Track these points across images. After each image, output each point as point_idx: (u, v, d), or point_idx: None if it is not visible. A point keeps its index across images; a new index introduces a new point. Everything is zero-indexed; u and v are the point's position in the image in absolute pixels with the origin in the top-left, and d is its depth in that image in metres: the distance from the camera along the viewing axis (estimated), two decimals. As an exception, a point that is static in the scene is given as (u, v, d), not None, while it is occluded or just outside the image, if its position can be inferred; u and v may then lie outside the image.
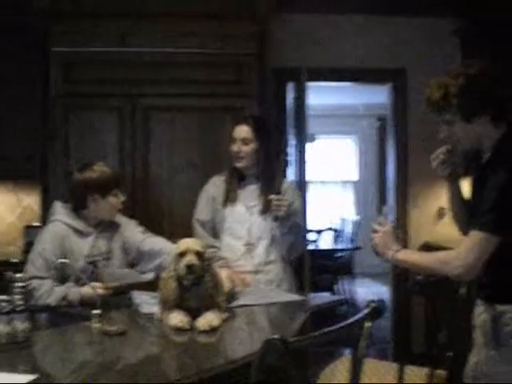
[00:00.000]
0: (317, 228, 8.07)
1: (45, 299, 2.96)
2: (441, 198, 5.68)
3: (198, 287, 2.62)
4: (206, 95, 4.61)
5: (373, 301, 1.79)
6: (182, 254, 2.61)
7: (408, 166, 5.67)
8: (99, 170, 3.19)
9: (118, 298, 3.07)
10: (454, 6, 5.24)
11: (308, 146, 9.20)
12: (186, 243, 2.65)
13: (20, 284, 2.35)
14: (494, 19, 4.99)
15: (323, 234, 8.05)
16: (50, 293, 2.97)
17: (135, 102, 4.58)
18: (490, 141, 2.40)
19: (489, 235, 2.26)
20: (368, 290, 9.05)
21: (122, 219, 3.36)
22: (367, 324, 1.76)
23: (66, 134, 4.54)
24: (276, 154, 3.50)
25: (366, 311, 1.74)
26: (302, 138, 5.17)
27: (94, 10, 4.50)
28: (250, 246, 3.56)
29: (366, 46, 5.58)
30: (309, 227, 8.73)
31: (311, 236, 7.82)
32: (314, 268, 7.39)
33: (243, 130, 3.58)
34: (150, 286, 3.06)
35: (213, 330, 2.45)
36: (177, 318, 2.49)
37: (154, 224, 4.46)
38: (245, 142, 3.56)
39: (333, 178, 11.43)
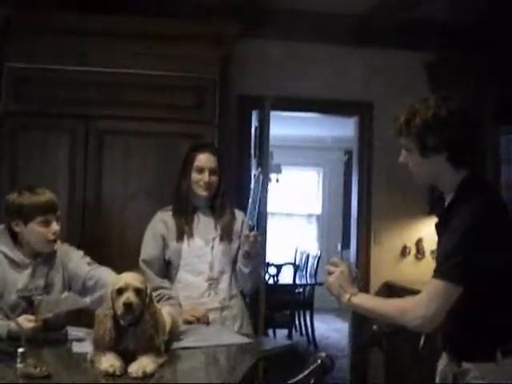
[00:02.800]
0: (277, 262, 7.87)
1: (-29, 332, 2.71)
2: (405, 235, 5.55)
3: (135, 327, 2.39)
4: (163, 120, 4.41)
5: (320, 355, 1.59)
6: (120, 291, 2.38)
7: (371, 201, 5.53)
8: (26, 193, 2.93)
9: (55, 334, 2.83)
10: (426, 40, 5.15)
11: (274, 177, 9.14)
12: (125, 279, 2.41)
13: None
14: (465, 56, 4.91)
15: (283, 268, 7.85)
16: (-24, 326, 2.72)
17: (89, 124, 4.37)
18: (451, 183, 2.26)
19: (449, 284, 2.08)
20: (328, 327, 8.85)
21: (66, 249, 3.11)
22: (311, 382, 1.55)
23: (13, 153, 4.31)
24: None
25: (312, 367, 1.53)
26: (264, 168, 4.97)
27: (51, 26, 4.29)
28: (212, 282, 3.37)
29: (335, 77, 5.47)
30: (269, 261, 8.57)
31: (271, 270, 7.63)
32: (272, 303, 7.21)
33: (211, 160, 3.42)
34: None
35: (147, 377, 2.22)
36: (108, 362, 2.25)
37: (103, 253, 4.21)
38: (213, 171, 3.40)
39: (297, 210, 11.26)
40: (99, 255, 4.14)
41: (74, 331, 2.82)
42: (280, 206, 10.93)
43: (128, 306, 2.35)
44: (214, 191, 3.43)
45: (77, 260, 3.09)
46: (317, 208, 11.28)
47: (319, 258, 8.21)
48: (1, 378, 2.24)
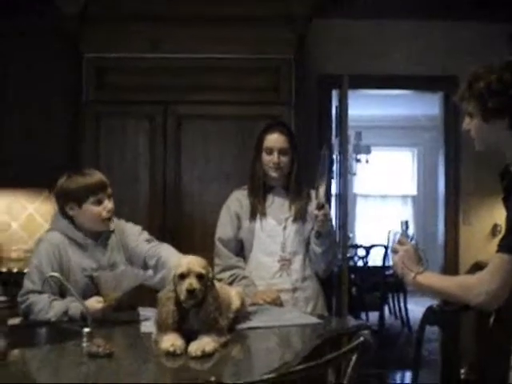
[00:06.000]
0: (367, 244, 7.76)
1: (44, 314, 2.78)
2: (495, 214, 5.35)
3: (198, 309, 2.39)
4: (240, 103, 4.42)
5: (363, 333, 1.55)
6: (182, 276, 2.37)
7: (459, 180, 5.35)
8: (75, 176, 2.99)
9: (127, 314, 2.89)
10: (510, 10, 4.92)
11: (363, 158, 9.02)
12: (188, 264, 2.40)
13: (-1, 299, 2.20)
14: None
15: (375, 250, 7.72)
16: (49, 307, 2.79)
17: (167, 110, 4.45)
18: None
19: (510, 257, 1.98)
20: (423, 309, 8.65)
21: (125, 226, 3.16)
22: (353, 357, 1.51)
23: (95, 141, 4.44)
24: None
25: (351, 345, 1.49)
26: (344, 148, 4.91)
27: (126, 15, 4.40)
28: (285, 262, 3.35)
29: (417, 53, 5.33)
30: (358, 243, 8.45)
31: (360, 252, 7.54)
32: (362, 286, 7.14)
33: (280, 140, 3.37)
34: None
35: (208, 356, 2.22)
36: (169, 341, 2.26)
37: (184, 235, 4.35)
38: (283, 152, 3.35)
39: (392, 192, 11.05)
40: (181, 238, 4.28)
41: (144, 311, 2.87)
42: (374, 187, 10.79)
43: (191, 292, 2.35)
44: (286, 171, 3.39)
45: (134, 237, 3.13)
46: (412, 189, 11.06)
47: (412, 239, 8.01)
48: (67, 355, 2.32)
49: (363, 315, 7.50)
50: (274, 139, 3.38)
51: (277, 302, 3.20)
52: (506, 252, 2.02)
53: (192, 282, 2.36)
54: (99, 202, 2.99)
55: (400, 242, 2.39)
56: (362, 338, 1.53)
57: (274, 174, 3.38)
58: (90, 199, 2.97)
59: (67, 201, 2.98)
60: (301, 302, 3.33)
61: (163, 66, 4.42)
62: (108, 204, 3.01)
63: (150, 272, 2.96)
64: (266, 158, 3.38)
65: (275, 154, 3.35)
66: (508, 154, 2.21)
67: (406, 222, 2.47)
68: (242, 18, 4.37)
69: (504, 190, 2.26)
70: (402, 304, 7.97)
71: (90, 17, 4.37)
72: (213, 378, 1.26)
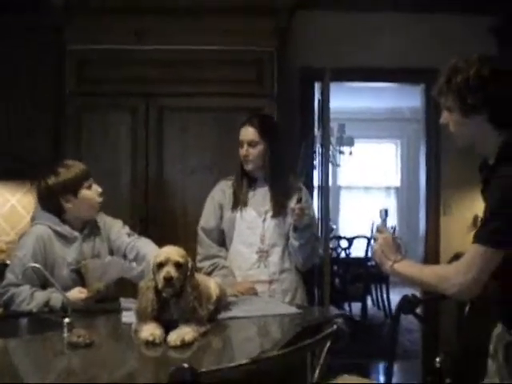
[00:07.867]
0: (351, 235, 7.81)
1: (25, 305, 2.80)
2: (476, 205, 5.37)
3: (178, 299, 2.42)
4: (223, 94, 4.42)
5: (336, 321, 1.57)
6: (160, 265, 2.40)
7: (440, 171, 5.39)
8: (62, 170, 3.01)
9: (110, 305, 2.91)
10: (491, 3, 4.95)
11: (346, 150, 9.05)
12: (166, 253, 2.43)
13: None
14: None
15: (358, 241, 7.77)
16: (30, 298, 2.81)
17: (149, 102, 4.45)
18: (493, 146, 2.17)
19: (487, 248, 2.01)
20: (405, 300, 8.73)
21: (106, 219, 3.19)
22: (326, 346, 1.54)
23: (78, 133, 4.44)
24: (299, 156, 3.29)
25: (324, 333, 1.52)
26: (325, 140, 4.93)
27: (108, 6, 4.37)
28: (262, 254, 3.37)
29: (398, 45, 5.33)
30: (341, 234, 8.48)
31: (342, 243, 7.58)
32: (345, 277, 7.19)
33: (249, 132, 3.40)
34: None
35: (188, 345, 2.25)
36: (148, 331, 2.29)
37: (167, 227, 4.36)
38: (251, 144, 3.38)
39: (375, 183, 11.11)
40: (163, 229, 4.28)
41: (125, 302, 2.89)
42: (357, 179, 10.85)
43: (168, 279, 2.37)
44: (260, 163, 3.40)
45: (116, 229, 3.17)
46: (395, 181, 11.12)
47: (394, 230, 8.10)
48: (48, 345, 2.33)
49: (346, 306, 7.54)
50: (244, 132, 3.42)
51: (250, 293, 3.23)
52: (481, 243, 2.04)
53: (170, 270, 2.38)
54: (90, 187, 3.03)
55: (379, 231, 2.40)
56: (335, 326, 1.56)
57: (245, 166, 3.42)
58: (84, 185, 3.01)
59: (64, 193, 2.99)
60: (278, 293, 3.35)
61: (146, 58, 4.41)
62: (97, 188, 3.06)
63: (135, 264, 2.98)
64: (239, 150, 3.42)
65: (244, 147, 3.39)
66: (487, 147, 2.21)
67: (386, 211, 2.47)
68: (225, 9, 4.37)
69: (482, 183, 2.29)
70: (384, 295, 8.03)
71: (72, 8, 4.36)
72: (185, 365, 1.27)
